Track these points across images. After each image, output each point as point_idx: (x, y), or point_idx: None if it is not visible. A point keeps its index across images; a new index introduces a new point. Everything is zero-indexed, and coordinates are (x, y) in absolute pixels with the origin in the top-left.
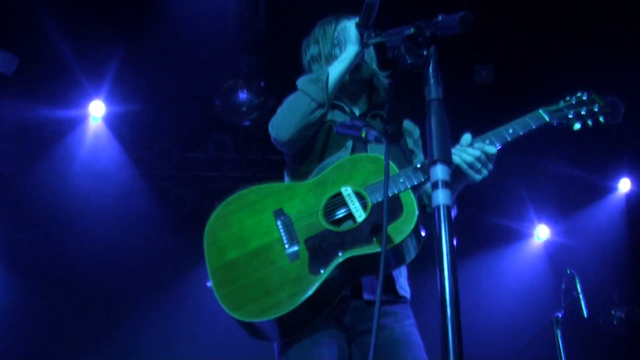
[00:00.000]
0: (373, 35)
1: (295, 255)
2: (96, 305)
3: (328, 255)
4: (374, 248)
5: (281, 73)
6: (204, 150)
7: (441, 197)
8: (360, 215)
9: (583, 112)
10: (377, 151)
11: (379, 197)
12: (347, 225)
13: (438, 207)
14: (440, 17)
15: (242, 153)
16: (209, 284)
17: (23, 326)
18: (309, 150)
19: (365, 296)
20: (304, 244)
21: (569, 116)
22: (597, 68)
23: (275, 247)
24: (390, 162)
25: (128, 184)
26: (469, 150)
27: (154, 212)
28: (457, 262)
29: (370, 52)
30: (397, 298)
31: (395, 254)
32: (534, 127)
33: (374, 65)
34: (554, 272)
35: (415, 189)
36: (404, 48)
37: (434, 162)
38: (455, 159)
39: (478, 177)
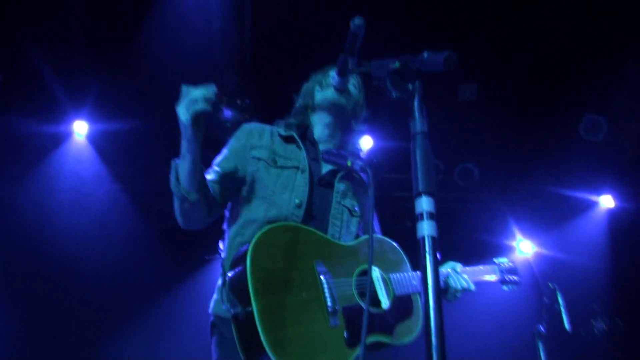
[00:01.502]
0: (357, 64)
1: (336, 321)
2: (79, 320)
3: (360, 332)
4: (394, 340)
5: (265, 91)
6: None
7: (426, 228)
8: (385, 302)
9: (512, 279)
10: (338, 211)
11: (401, 291)
12: (373, 306)
13: (423, 238)
14: (425, 54)
15: None
16: (247, 310)
17: (6, 341)
18: (254, 187)
19: None
20: (341, 312)
21: (505, 278)
22: (580, 86)
23: (318, 304)
24: (406, 259)
25: (111, 199)
26: (461, 279)
27: (137, 228)
28: (441, 292)
29: (354, 88)
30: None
31: (395, 349)
32: (490, 278)
33: (361, 100)
34: (537, 286)
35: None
36: (390, 82)
37: (419, 194)
38: (450, 281)
39: (451, 300)
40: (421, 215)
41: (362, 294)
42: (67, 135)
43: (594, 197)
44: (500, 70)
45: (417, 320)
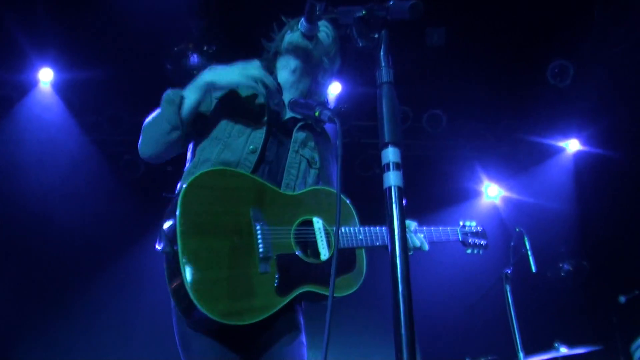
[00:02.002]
0: (324, 9)
1: (266, 268)
2: (48, 274)
3: (293, 281)
4: (327, 292)
5: (232, 37)
6: None
7: (392, 178)
8: (324, 254)
9: (476, 242)
10: (294, 160)
11: (344, 245)
12: (311, 257)
13: (390, 188)
14: (391, 2)
15: None
16: (161, 247)
17: None
18: (212, 118)
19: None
20: (274, 260)
21: (467, 241)
22: (547, 31)
23: (250, 251)
24: (355, 214)
25: (79, 150)
26: (414, 238)
27: (107, 178)
28: (407, 242)
29: (324, 36)
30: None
31: (341, 298)
32: (451, 240)
33: (333, 49)
34: (504, 230)
35: (370, 248)
36: (356, 31)
37: (385, 145)
38: None
39: None
40: (387, 165)
41: (299, 244)
42: (33, 84)
43: (560, 142)
44: (468, 15)
45: (358, 276)
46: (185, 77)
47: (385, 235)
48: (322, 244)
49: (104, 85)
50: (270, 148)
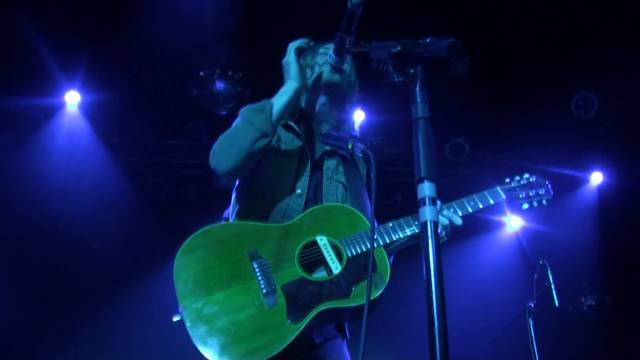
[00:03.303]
0: (351, 42)
1: (273, 302)
2: (69, 292)
3: (306, 305)
4: (350, 302)
5: (259, 64)
6: (179, 138)
7: (428, 213)
8: (336, 267)
9: (532, 194)
10: (330, 187)
11: (353, 251)
12: (322, 275)
13: (425, 223)
14: (428, 40)
15: None
16: (177, 318)
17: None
18: (256, 184)
19: (316, 339)
20: (281, 291)
21: (520, 196)
22: (573, 63)
23: (252, 290)
24: (362, 217)
25: (103, 170)
26: (440, 219)
27: (129, 200)
28: (443, 277)
29: (349, 68)
30: (339, 332)
31: (355, 312)
32: (492, 203)
33: (354, 77)
34: (527, 261)
35: (387, 246)
36: (392, 66)
37: (421, 180)
38: None
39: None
40: (423, 200)
41: (306, 267)
42: (60, 106)
43: (583, 174)
44: (493, 45)
45: (381, 277)
46: (210, 102)
47: (401, 224)
48: (332, 259)
49: (130, 108)
50: (310, 186)
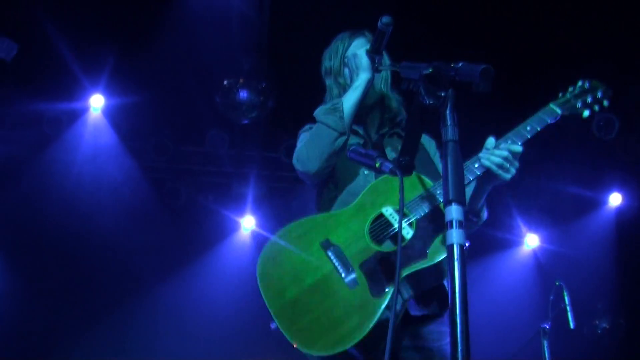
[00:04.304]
0: (384, 61)
1: (354, 282)
2: (86, 294)
3: (386, 276)
4: (429, 261)
5: (282, 74)
6: (200, 144)
7: (455, 236)
8: (407, 232)
9: (589, 100)
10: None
11: (421, 212)
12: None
13: (452, 246)
14: (461, 64)
15: (238, 149)
16: (274, 325)
17: (16, 310)
18: (332, 176)
19: (412, 312)
20: (359, 270)
21: (577, 105)
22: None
23: (332, 277)
24: (422, 176)
25: (124, 174)
26: (496, 152)
27: (149, 204)
28: (467, 299)
29: (382, 75)
30: (442, 310)
31: (437, 270)
32: (549, 122)
33: (383, 86)
34: (543, 281)
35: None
36: (423, 88)
37: (449, 202)
38: (485, 162)
39: (507, 176)
40: (451, 223)
41: (379, 241)
42: (84, 110)
43: (602, 195)
44: (513, 63)
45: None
46: (232, 110)
47: (468, 166)
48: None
49: (152, 113)
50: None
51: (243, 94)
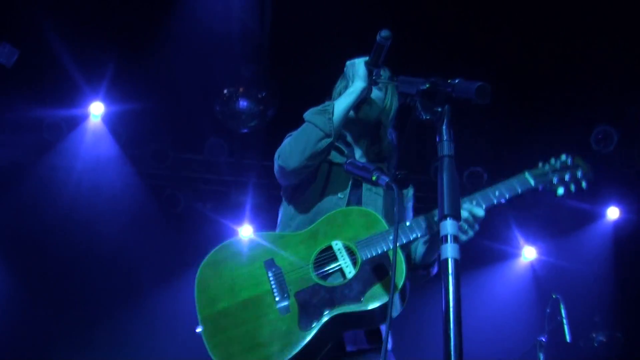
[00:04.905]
0: (384, 75)
1: (286, 309)
2: (85, 298)
3: (317, 311)
4: (362, 306)
5: (282, 84)
6: (199, 152)
7: (450, 250)
8: (350, 271)
9: (567, 178)
10: (370, 198)
11: (368, 254)
12: (337, 280)
13: (446, 260)
14: (457, 80)
15: (237, 157)
16: (199, 329)
17: (14, 319)
18: (310, 186)
19: (348, 348)
20: (294, 298)
21: (553, 181)
22: (592, 97)
23: (266, 299)
24: (380, 218)
25: (123, 181)
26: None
27: (147, 210)
28: (461, 314)
29: (387, 103)
30: (379, 344)
31: (383, 311)
32: (519, 192)
33: (384, 116)
34: (539, 294)
35: (404, 246)
36: (420, 104)
37: (444, 217)
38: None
39: (464, 237)
40: (445, 237)
41: (321, 273)
42: (84, 117)
43: (600, 209)
44: (513, 76)
45: (398, 275)
46: (232, 119)
47: (420, 223)
48: (346, 263)
49: (152, 121)
50: (351, 199)
51: (243, 103)
